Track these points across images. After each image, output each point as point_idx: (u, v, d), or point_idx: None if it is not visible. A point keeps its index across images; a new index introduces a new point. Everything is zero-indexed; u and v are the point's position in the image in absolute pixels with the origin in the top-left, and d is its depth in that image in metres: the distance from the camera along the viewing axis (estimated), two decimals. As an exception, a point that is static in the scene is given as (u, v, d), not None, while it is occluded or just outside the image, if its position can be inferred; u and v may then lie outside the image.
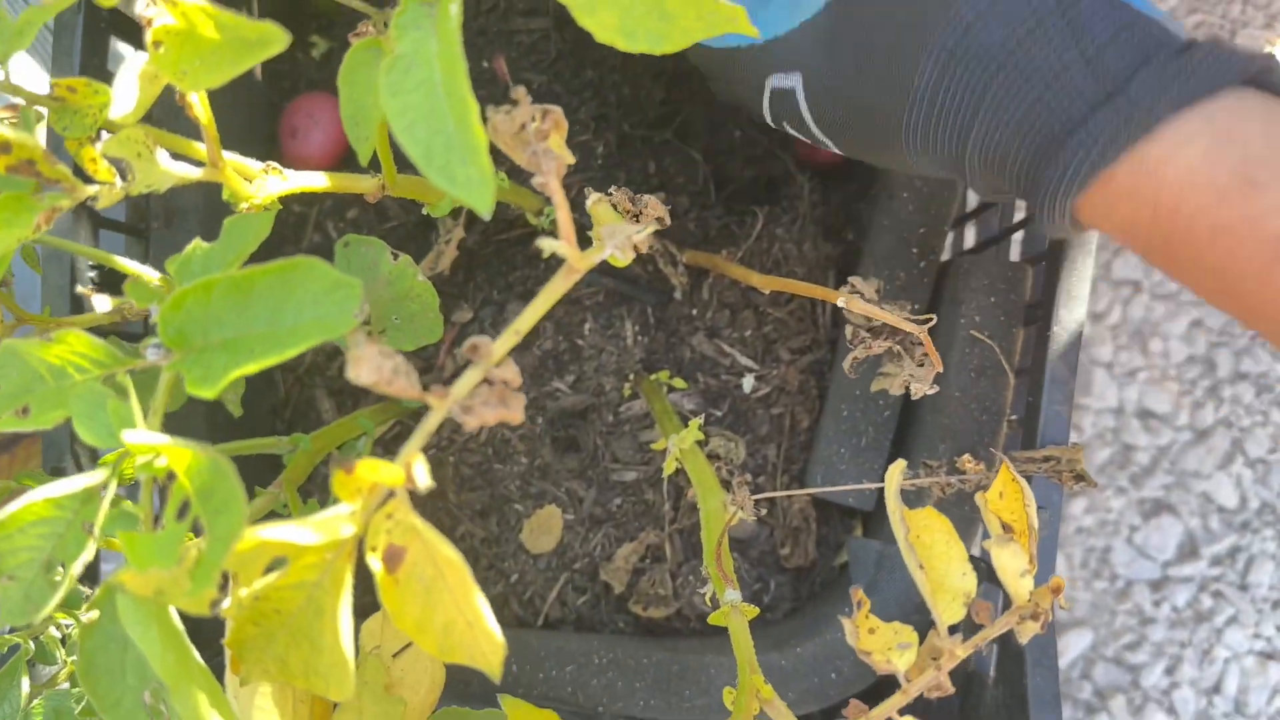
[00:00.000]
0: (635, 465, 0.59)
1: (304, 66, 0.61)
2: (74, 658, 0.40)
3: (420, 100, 0.27)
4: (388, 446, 0.60)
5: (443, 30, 0.26)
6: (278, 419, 0.62)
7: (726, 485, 0.52)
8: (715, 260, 0.54)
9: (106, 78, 0.52)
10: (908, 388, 0.45)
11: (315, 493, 0.59)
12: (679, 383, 0.59)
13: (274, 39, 0.26)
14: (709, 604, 0.55)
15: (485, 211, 0.26)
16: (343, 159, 0.61)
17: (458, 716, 0.36)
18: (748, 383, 0.59)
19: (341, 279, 0.27)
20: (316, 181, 0.36)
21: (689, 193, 0.60)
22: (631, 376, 0.59)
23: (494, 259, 0.61)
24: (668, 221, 0.43)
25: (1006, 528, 0.36)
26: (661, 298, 0.60)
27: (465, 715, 0.36)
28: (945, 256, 0.57)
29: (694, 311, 0.60)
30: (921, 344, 0.43)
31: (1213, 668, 0.89)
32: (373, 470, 0.26)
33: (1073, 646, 0.88)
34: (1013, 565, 0.33)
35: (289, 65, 0.61)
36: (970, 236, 0.63)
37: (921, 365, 0.44)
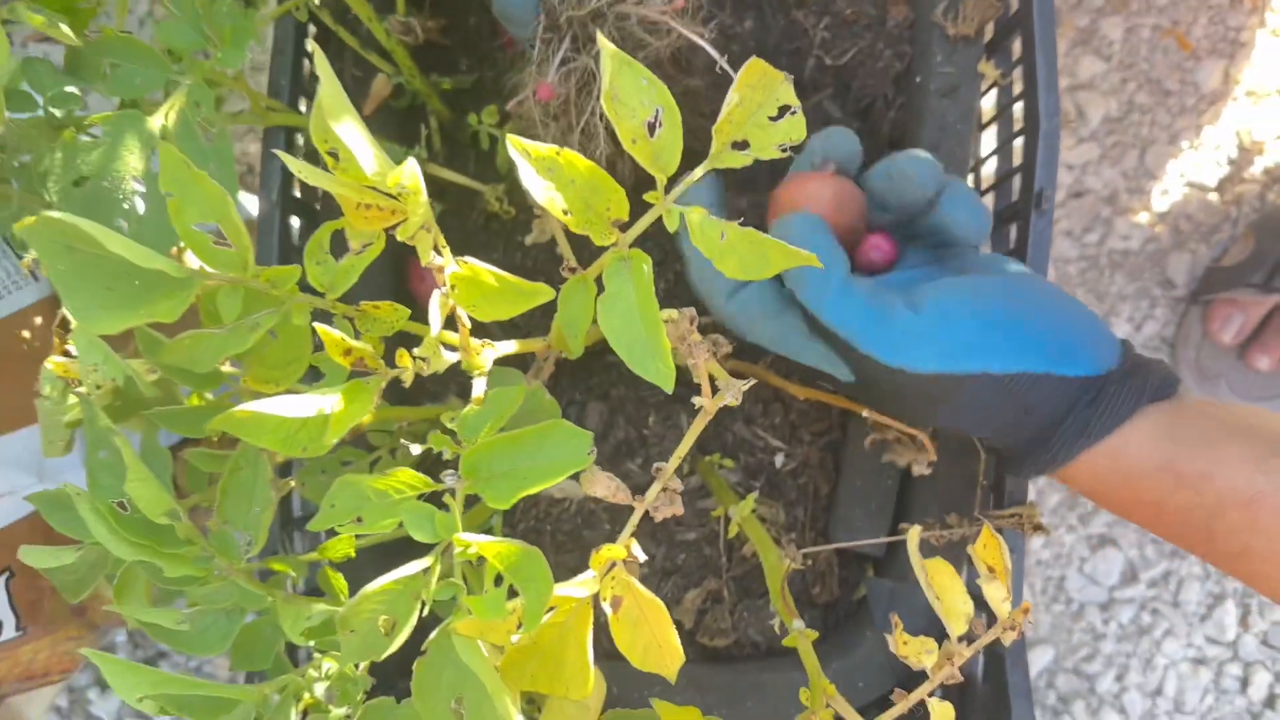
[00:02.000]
0: (695, 528, 0.75)
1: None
2: (320, 687, 0.55)
3: (624, 323, 0.43)
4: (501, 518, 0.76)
5: (638, 279, 0.43)
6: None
7: (777, 543, 0.69)
8: (756, 370, 0.71)
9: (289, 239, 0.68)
10: (909, 466, 0.62)
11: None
12: (728, 462, 0.75)
13: (543, 293, 0.42)
14: (774, 631, 0.71)
15: (669, 389, 0.43)
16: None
17: (623, 715, 0.52)
18: (779, 459, 0.76)
19: (578, 432, 0.44)
20: (511, 348, 0.53)
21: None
22: (689, 457, 0.76)
23: (576, 368, 0.77)
24: (731, 350, 0.60)
25: (990, 569, 0.52)
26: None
27: (628, 714, 0.52)
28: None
29: (734, 404, 0.77)
30: (919, 438, 0.60)
31: (1155, 674, 1.06)
32: (610, 551, 0.42)
33: (1038, 661, 1.05)
34: (996, 595, 0.50)
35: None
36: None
37: (922, 451, 0.61)
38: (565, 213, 0.43)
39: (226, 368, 0.54)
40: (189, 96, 0.56)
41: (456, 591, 0.43)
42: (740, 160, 0.45)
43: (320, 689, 0.55)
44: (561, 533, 0.76)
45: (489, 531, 0.72)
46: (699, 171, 0.45)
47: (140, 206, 0.57)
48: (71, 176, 0.55)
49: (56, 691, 0.84)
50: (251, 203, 0.95)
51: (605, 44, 0.42)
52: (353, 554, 0.63)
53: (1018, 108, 0.70)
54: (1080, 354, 0.54)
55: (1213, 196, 1.07)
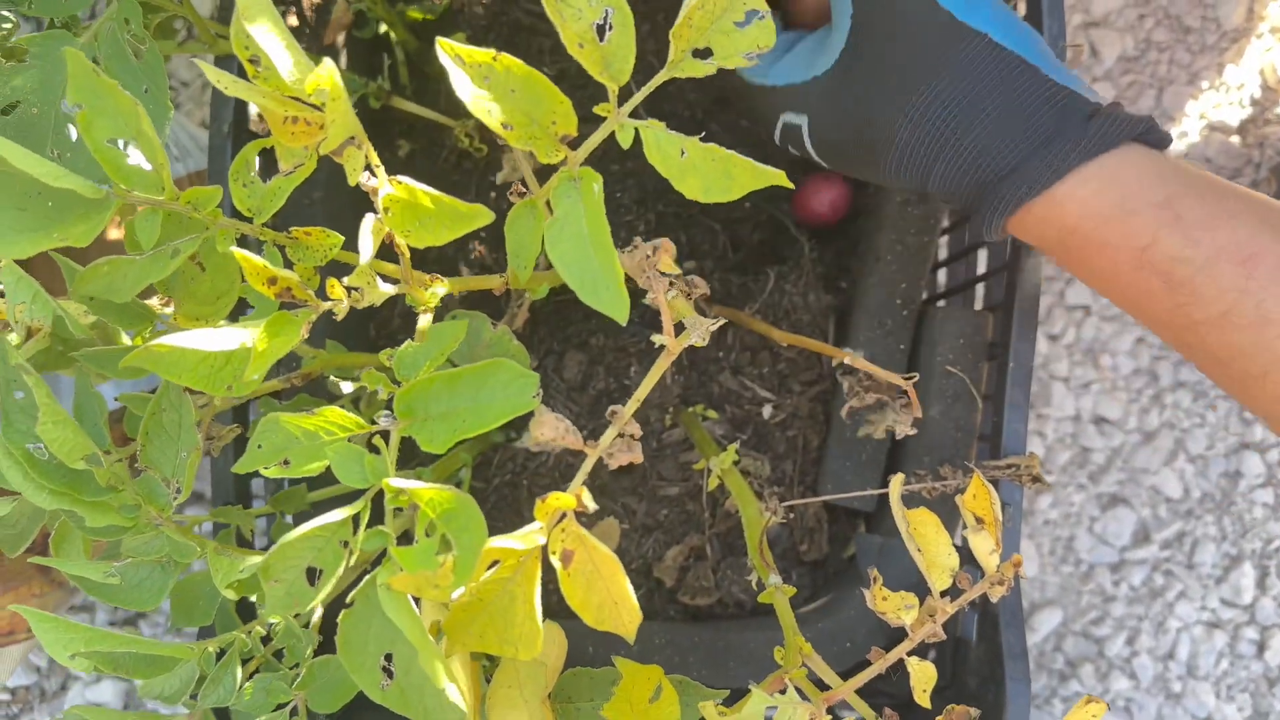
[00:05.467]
0: (677, 482, 0.72)
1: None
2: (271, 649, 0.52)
3: (573, 248, 0.39)
4: (475, 472, 0.72)
5: (587, 200, 0.39)
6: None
7: (759, 496, 0.65)
8: (740, 316, 0.67)
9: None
10: (892, 430, 0.58)
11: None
12: (711, 413, 0.72)
13: (482, 215, 0.38)
14: (754, 588, 0.68)
15: (623, 321, 0.39)
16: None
17: (584, 674, 0.48)
18: (767, 411, 0.72)
19: (524, 372, 0.40)
20: (464, 282, 0.49)
21: (713, 257, 0.73)
22: (671, 409, 0.72)
23: (554, 316, 0.73)
24: (709, 292, 0.56)
25: (979, 520, 0.49)
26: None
27: (589, 673, 0.49)
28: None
29: (720, 354, 0.73)
30: (905, 394, 0.56)
31: (1167, 637, 1.02)
32: (557, 499, 0.39)
33: (1045, 624, 1.01)
34: (983, 547, 0.46)
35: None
36: (941, 279, 0.77)
37: (905, 408, 0.58)
38: (505, 126, 0.39)
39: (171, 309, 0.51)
40: (118, 13, 0.52)
41: (385, 541, 0.39)
42: (702, 69, 0.41)
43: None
44: (539, 486, 0.72)
45: (458, 485, 0.69)
46: (655, 83, 0.41)
47: (74, 133, 0.54)
48: (1, 103, 0.52)
49: (27, 649, 0.81)
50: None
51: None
52: (307, 507, 0.59)
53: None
54: (1070, 75, 0.50)
55: (1234, 139, 1.01)
